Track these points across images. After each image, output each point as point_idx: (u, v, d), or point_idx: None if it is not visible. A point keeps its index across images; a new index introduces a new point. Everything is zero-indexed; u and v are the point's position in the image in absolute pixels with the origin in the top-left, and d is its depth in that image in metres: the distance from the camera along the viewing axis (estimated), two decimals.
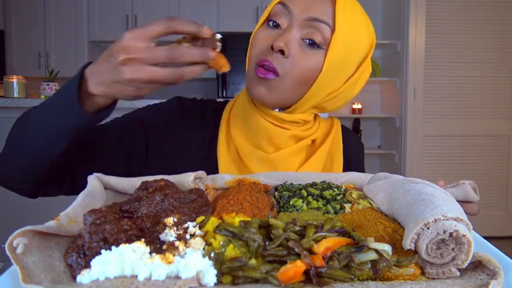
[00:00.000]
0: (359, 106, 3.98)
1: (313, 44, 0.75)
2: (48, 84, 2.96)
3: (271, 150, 0.83)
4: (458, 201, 0.67)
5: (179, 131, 0.86)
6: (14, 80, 2.68)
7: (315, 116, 0.90)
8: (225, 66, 0.60)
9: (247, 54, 0.81)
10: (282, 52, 0.73)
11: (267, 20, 0.78)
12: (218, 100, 0.96)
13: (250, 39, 0.80)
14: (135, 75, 0.54)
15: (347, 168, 0.91)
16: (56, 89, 2.99)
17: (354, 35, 0.77)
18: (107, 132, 0.81)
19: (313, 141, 0.88)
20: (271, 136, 0.81)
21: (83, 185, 0.75)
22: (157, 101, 0.94)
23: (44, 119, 0.64)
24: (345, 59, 0.77)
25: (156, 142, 0.84)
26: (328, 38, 0.75)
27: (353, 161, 0.94)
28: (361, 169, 0.97)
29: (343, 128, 0.96)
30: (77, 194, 0.75)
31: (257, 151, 0.82)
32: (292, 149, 0.83)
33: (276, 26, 0.76)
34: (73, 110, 0.60)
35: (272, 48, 0.74)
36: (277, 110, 0.81)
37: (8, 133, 0.72)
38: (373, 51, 0.84)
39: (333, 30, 0.74)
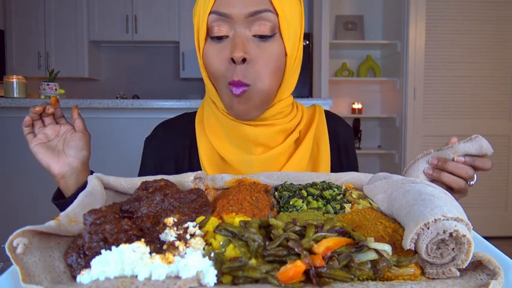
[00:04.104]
0: (359, 106, 3.98)
1: (266, 36, 0.73)
2: (48, 84, 2.96)
3: (259, 150, 0.82)
4: (473, 155, 0.69)
5: (173, 155, 0.88)
6: (14, 80, 2.68)
7: (296, 105, 0.89)
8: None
9: (205, 75, 0.80)
10: (244, 60, 0.72)
11: (208, 35, 0.75)
12: (189, 112, 0.95)
13: (201, 57, 0.78)
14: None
15: (337, 155, 0.90)
16: (56, 89, 2.99)
17: (290, 2, 0.75)
18: None
19: (299, 132, 0.87)
20: (257, 138, 0.81)
21: None
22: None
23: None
24: (295, 29, 0.77)
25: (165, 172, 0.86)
26: (277, 23, 0.73)
27: (342, 147, 0.92)
28: (351, 154, 0.94)
29: (328, 113, 0.95)
30: None
31: (246, 157, 0.81)
32: (282, 147, 0.82)
33: (221, 37, 0.74)
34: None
35: (233, 60, 0.72)
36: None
37: None
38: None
39: (276, 14, 0.73)
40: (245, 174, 0.76)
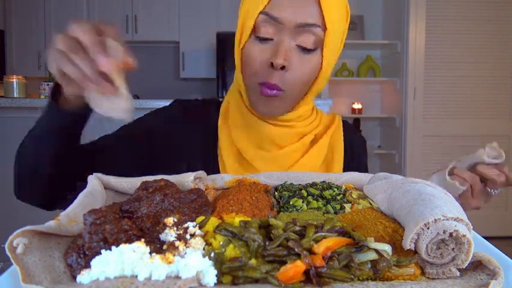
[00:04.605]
0: (359, 106, 3.98)
1: (309, 49, 0.74)
2: (48, 84, 2.96)
3: (275, 149, 0.85)
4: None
5: (182, 134, 0.88)
6: (14, 80, 2.68)
7: (316, 110, 0.92)
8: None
9: (239, 68, 0.80)
10: (282, 67, 0.73)
11: (254, 33, 0.75)
12: (220, 99, 0.96)
13: (239, 53, 0.79)
14: (56, 63, 0.53)
15: (350, 160, 0.92)
16: None
17: (340, 19, 0.76)
18: (112, 145, 0.84)
19: (315, 135, 0.90)
20: (273, 138, 0.84)
21: None
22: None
23: (37, 125, 0.71)
24: (337, 45, 0.78)
25: (160, 149, 0.87)
26: (321, 38, 0.74)
27: (356, 154, 0.94)
28: (362, 164, 0.97)
29: (345, 123, 0.97)
30: None
31: (260, 152, 0.84)
32: (296, 146, 0.85)
33: (265, 39, 0.74)
34: (52, 111, 0.67)
35: (272, 65, 0.73)
36: None
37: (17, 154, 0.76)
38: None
39: (324, 29, 0.74)
40: (259, 169, 0.80)
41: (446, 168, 0.76)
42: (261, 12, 0.73)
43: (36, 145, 0.71)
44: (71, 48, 0.51)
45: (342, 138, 0.92)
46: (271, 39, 0.74)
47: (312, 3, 0.72)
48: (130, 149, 0.85)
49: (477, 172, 0.74)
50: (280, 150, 0.84)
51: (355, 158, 0.94)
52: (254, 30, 0.75)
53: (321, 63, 0.77)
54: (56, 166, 0.71)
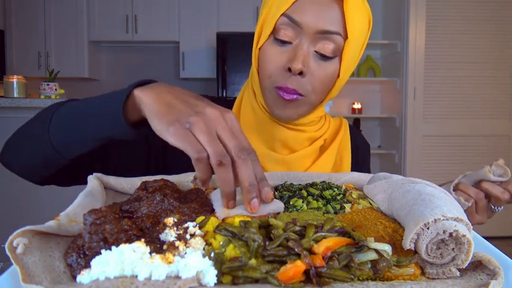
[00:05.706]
0: (359, 106, 3.98)
1: (327, 57, 0.74)
2: (48, 84, 2.96)
3: (286, 152, 0.84)
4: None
5: None
6: (14, 80, 2.68)
7: (325, 115, 0.92)
8: None
9: (256, 68, 0.79)
10: (300, 72, 0.72)
11: (273, 34, 0.74)
12: (228, 99, 0.95)
13: (257, 53, 0.77)
14: (200, 124, 0.48)
15: (354, 161, 0.92)
16: (56, 89, 2.98)
17: (361, 29, 0.76)
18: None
19: (324, 140, 0.90)
20: (286, 140, 0.83)
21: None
22: None
23: (82, 122, 0.61)
24: (356, 55, 0.78)
25: (165, 147, 0.83)
26: (341, 46, 0.73)
27: (360, 161, 0.95)
28: (366, 166, 0.98)
29: (351, 127, 0.98)
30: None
31: (272, 153, 0.83)
32: (308, 150, 0.85)
33: (284, 41, 0.74)
34: (116, 121, 0.56)
35: (289, 69, 0.72)
36: None
37: (24, 127, 0.71)
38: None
39: (345, 38, 0.73)
40: (268, 170, 0.79)
41: (452, 183, 0.76)
42: (282, 14, 0.72)
43: (72, 146, 0.63)
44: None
45: (350, 145, 0.92)
46: (290, 43, 0.73)
47: (335, 11, 0.71)
48: (141, 144, 0.82)
49: (482, 188, 0.74)
50: (292, 154, 0.83)
51: (360, 163, 0.94)
52: (274, 31, 0.74)
53: (339, 72, 0.76)
54: (71, 160, 0.66)
